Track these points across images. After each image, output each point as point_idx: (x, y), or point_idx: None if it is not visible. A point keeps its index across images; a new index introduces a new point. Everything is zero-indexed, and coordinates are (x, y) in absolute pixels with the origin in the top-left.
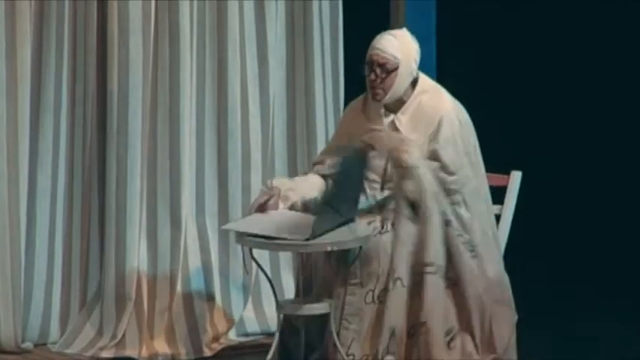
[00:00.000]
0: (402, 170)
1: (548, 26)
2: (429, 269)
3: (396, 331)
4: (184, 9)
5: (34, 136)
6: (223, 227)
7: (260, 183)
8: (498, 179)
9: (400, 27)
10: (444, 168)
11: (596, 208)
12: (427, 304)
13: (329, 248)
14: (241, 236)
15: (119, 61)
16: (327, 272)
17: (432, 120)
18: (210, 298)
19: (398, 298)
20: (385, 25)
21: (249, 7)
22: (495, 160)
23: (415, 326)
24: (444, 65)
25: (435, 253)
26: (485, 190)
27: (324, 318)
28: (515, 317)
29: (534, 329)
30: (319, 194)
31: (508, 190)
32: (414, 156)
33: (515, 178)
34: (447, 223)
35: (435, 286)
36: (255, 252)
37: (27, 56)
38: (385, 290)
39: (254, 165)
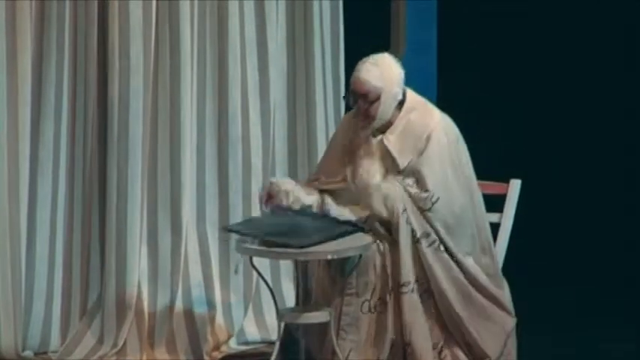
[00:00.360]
0: (366, 193)
1: (550, 30)
2: (403, 289)
3: (396, 342)
4: (185, 17)
5: (34, 143)
6: (224, 227)
7: (261, 191)
8: (497, 187)
9: (401, 34)
10: (419, 183)
11: (595, 216)
12: (407, 324)
13: (329, 256)
14: (241, 244)
15: (120, 70)
16: (325, 281)
17: (421, 137)
18: (210, 306)
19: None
20: (386, 32)
21: (250, 16)
22: (494, 168)
23: (403, 345)
24: (444, 68)
25: (407, 272)
26: (477, 201)
27: (323, 326)
28: (514, 320)
29: (534, 336)
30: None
31: (507, 199)
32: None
33: (515, 186)
34: (417, 241)
35: (411, 304)
36: (256, 260)
37: (27, 64)
38: (382, 300)
39: (255, 173)
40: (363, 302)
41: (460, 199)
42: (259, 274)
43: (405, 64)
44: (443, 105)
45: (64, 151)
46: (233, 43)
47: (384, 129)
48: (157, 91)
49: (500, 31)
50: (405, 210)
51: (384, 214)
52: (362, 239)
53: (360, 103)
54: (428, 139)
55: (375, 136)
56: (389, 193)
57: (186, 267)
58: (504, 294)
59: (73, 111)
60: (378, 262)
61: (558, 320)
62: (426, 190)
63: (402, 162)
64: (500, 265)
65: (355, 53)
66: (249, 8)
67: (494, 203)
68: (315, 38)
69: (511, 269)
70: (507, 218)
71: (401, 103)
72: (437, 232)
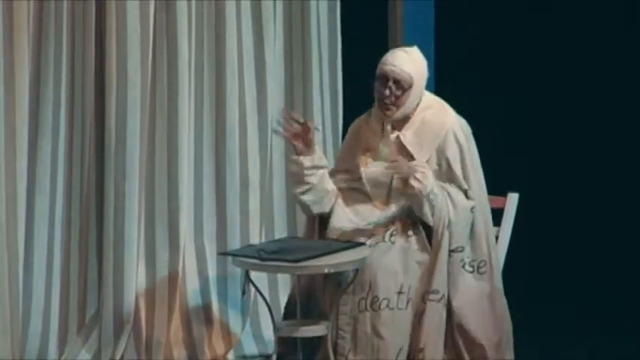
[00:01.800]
0: (414, 195)
1: (548, 34)
2: (432, 297)
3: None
4: (182, 31)
5: (32, 159)
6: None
7: (258, 205)
8: (495, 201)
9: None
10: (466, 193)
11: (593, 229)
12: (425, 330)
13: (326, 270)
14: (238, 259)
15: (117, 85)
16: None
17: (438, 134)
18: (208, 320)
19: (405, 318)
20: (384, 45)
21: (248, 29)
22: (491, 182)
23: (415, 351)
24: (442, 71)
25: (441, 281)
26: (486, 205)
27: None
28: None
29: (532, 348)
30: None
31: (505, 212)
32: (430, 182)
33: (512, 200)
34: (450, 254)
35: (436, 313)
36: (253, 273)
37: (25, 80)
38: (377, 298)
39: (252, 188)
40: (360, 300)
41: (482, 199)
42: (256, 287)
43: None
44: None
45: (62, 166)
46: (230, 56)
47: (399, 126)
48: (155, 106)
49: (498, 26)
50: (449, 222)
51: (430, 222)
52: (359, 253)
53: (391, 87)
54: (446, 136)
55: (391, 132)
56: (444, 202)
57: (184, 281)
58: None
59: (70, 127)
60: (375, 261)
61: (556, 335)
62: (472, 199)
63: (419, 158)
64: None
65: (353, 66)
66: (247, 22)
67: (492, 217)
68: (312, 51)
69: (508, 284)
70: (505, 232)
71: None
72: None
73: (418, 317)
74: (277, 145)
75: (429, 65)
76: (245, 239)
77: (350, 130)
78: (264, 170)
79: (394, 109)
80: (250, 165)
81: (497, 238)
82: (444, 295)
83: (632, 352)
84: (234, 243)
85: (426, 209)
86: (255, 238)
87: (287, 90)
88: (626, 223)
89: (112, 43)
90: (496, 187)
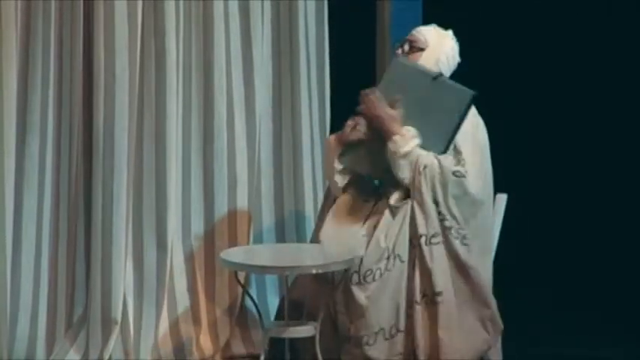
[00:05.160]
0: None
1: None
2: (434, 240)
3: (400, 306)
4: (170, 31)
5: (19, 158)
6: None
7: (247, 204)
8: None
9: (387, 44)
10: (458, 159)
11: (582, 231)
12: (438, 275)
13: (314, 271)
14: (225, 259)
15: (105, 84)
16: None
17: None
18: (196, 321)
19: (399, 274)
20: (372, 45)
21: (235, 29)
22: None
23: (429, 295)
24: None
25: (433, 224)
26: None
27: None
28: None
29: (522, 350)
30: None
31: (494, 214)
32: (410, 143)
33: (501, 201)
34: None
35: (440, 256)
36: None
37: (13, 78)
38: (371, 271)
39: (240, 187)
40: (352, 274)
41: (480, 182)
42: (244, 288)
43: None
44: None
45: (50, 165)
46: (218, 56)
47: None
48: (143, 106)
49: (485, 39)
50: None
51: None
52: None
53: (404, 47)
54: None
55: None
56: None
57: (172, 281)
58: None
59: (58, 126)
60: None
61: (545, 338)
62: (463, 164)
63: None
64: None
65: (340, 67)
66: (235, 22)
67: None
68: (300, 52)
69: (497, 285)
70: (493, 234)
71: None
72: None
73: (415, 262)
74: (265, 143)
75: None
76: (233, 239)
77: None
78: (252, 168)
79: None
80: (238, 164)
81: None
82: (437, 233)
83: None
84: (223, 243)
85: (401, 170)
86: (244, 238)
87: (275, 90)
88: (616, 225)
89: (99, 43)
90: None
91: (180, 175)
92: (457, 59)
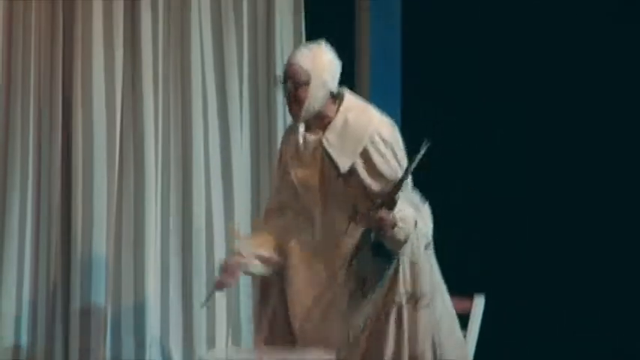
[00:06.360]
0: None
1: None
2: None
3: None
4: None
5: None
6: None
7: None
8: (461, 304)
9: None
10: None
11: (562, 332)
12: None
13: None
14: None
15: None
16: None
17: (361, 138)
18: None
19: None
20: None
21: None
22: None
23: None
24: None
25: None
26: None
27: None
28: None
29: None
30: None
31: (472, 315)
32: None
33: (479, 302)
34: None
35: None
36: None
37: None
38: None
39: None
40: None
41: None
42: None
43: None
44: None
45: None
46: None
47: (322, 126)
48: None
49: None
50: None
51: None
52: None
53: (288, 85)
54: (368, 145)
55: (315, 134)
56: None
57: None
58: None
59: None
60: None
61: None
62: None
63: (343, 165)
64: None
65: None
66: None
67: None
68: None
69: None
70: (471, 336)
71: (340, 102)
72: None
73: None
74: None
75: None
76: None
77: (280, 148)
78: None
79: (295, 107)
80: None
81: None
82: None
83: None
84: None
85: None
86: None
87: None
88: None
89: (78, 150)
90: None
91: (159, 280)
92: (339, 69)
